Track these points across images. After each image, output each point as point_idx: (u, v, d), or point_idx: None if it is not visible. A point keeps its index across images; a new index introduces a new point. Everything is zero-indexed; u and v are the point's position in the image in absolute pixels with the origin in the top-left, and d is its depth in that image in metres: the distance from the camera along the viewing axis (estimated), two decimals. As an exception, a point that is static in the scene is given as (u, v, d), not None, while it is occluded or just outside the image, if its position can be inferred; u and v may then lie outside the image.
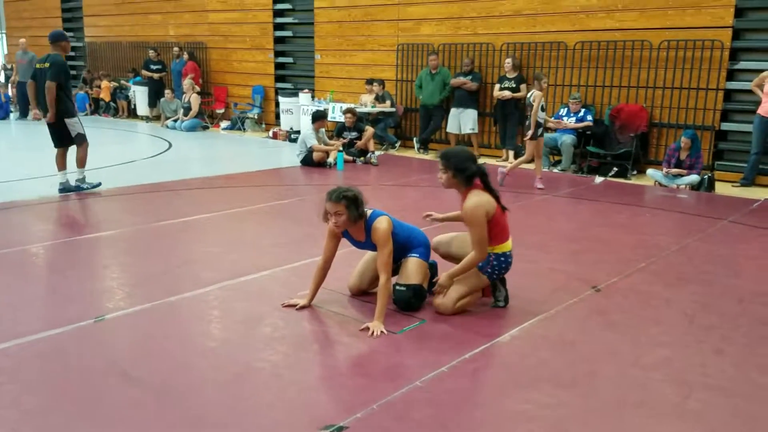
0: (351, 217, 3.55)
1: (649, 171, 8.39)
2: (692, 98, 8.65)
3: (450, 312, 3.66)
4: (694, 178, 7.87)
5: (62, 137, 6.96)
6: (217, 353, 3.19)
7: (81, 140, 7.02)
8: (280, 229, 5.79)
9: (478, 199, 3.63)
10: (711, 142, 8.60)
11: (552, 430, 2.55)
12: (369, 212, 3.68)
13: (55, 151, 7.06)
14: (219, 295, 4.00)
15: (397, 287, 3.74)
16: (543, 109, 7.67)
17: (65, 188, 6.97)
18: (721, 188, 8.04)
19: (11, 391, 2.77)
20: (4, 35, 19.90)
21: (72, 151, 7.06)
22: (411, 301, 3.72)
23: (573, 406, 2.74)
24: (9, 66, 15.01)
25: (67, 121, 6.88)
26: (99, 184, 7.24)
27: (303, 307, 3.69)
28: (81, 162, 7.06)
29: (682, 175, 7.97)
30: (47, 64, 6.84)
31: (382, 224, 3.59)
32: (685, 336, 3.51)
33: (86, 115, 15.75)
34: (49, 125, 6.93)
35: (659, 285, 4.35)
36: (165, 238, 5.44)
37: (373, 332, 3.37)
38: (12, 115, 14.70)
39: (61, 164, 7.03)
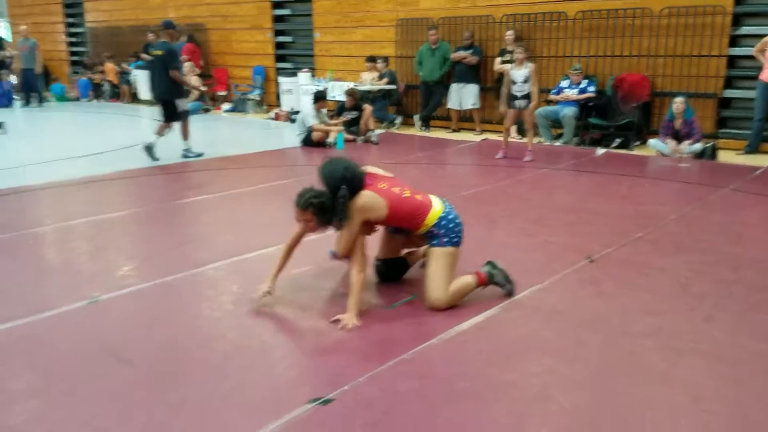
0: (320, 224, 3.38)
1: (651, 141, 8.30)
2: (694, 66, 8.53)
3: (445, 305, 3.36)
4: (696, 146, 7.79)
5: (172, 114, 7.92)
6: (207, 333, 3.21)
7: (185, 116, 8.07)
8: (275, 209, 5.78)
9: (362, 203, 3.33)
10: (714, 110, 8.49)
11: (536, 398, 2.56)
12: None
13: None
14: (212, 275, 4.02)
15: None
16: (514, 82, 7.67)
17: (149, 148, 7.84)
18: (725, 156, 7.95)
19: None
20: (8, 23, 19.89)
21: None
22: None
23: (559, 374, 2.75)
24: (9, 54, 15.01)
25: (177, 101, 7.89)
26: (202, 154, 8.18)
27: (270, 290, 3.46)
28: (185, 134, 8.15)
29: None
30: (161, 52, 7.76)
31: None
32: (676, 304, 3.50)
33: (89, 100, 15.79)
34: (162, 102, 7.93)
35: (654, 254, 4.33)
36: (160, 220, 5.47)
37: (345, 325, 3.18)
38: (17, 103, 14.73)
39: (161, 131, 7.96)
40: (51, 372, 2.81)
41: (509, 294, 3.56)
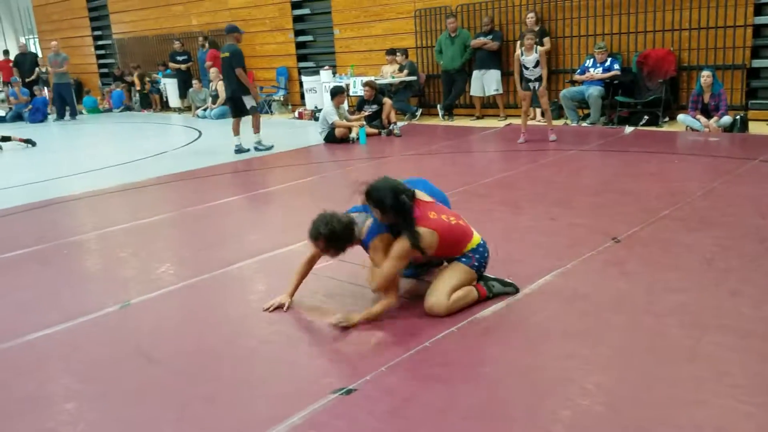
0: (335, 253, 3.33)
1: (680, 116, 8.13)
2: (720, 37, 8.32)
3: (444, 311, 3.17)
4: (726, 119, 7.61)
5: (241, 109, 8.60)
6: (233, 330, 3.29)
7: (254, 111, 8.66)
8: (300, 207, 5.86)
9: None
10: (743, 81, 8.28)
11: (558, 381, 2.56)
12: (366, 226, 3.32)
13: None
14: (238, 274, 4.11)
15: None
16: (526, 67, 7.80)
17: (239, 149, 8.65)
18: (756, 128, 7.76)
19: (38, 378, 2.93)
20: (36, 39, 20.45)
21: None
22: None
23: (581, 356, 2.74)
24: (44, 69, 15.44)
25: (244, 97, 8.52)
26: (272, 147, 8.80)
27: (286, 306, 3.42)
28: (256, 128, 8.70)
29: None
30: (227, 53, 8.47)
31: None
32: (702, 280, 3.45)
33: (121, 111, 16.11)
34: (231, 99, 8.68)
35: (681, 231, 4.27)
36: (190, 223, 5.59)
37: (339, 321, 3.12)
38: (50, 117, 15.14)
39: (236, 130, 8.71)
40: (87, 375, 2.93)
41: (515, 292, 3.41)
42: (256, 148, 8.78)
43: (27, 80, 15.97)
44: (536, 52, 7.68)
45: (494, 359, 2.83)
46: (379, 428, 2.35)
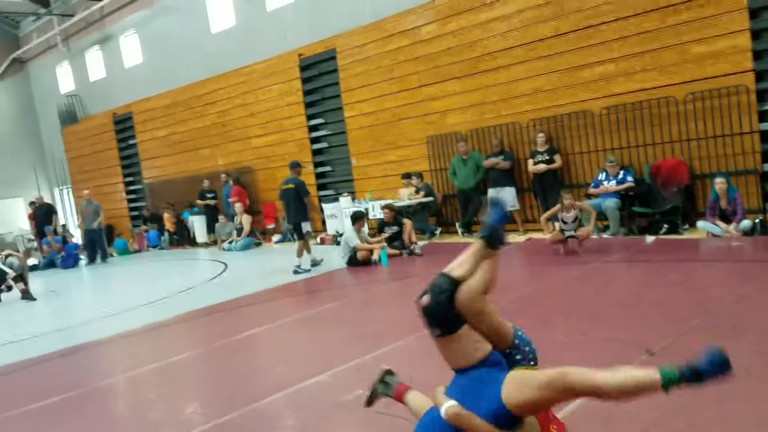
0: None
1: (700, 223, 8.17)
2: (728, 145, 8.50)
3: None
4: (746, 223, 7.63)
5: (300, 233, 9.63)
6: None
7: (308, 236, 9.68)
8: (326, 334, 5.87)
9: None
10: (757, 185, 8.36)
11: None
12: None
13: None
14: (266, 411, 4.06)
15: None
16: (564, 222, 8.07)
17: (296, 271, 9.34)
18: (777, 229, 7.74)
19: None
20: (70, 189, 21.46)
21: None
22: None
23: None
24: (62, 223, 15.91)
25: (303, 223, 9.62)
26: (310, 270, 9.41)
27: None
28: (300, 252, 9.51)
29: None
30: (292, 185, 9.68)
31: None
32: (741, 390, 3.33)
33: (161, 248, 16.45)
34: (295, 226, 9.73)
35: (715, 340, 4.16)
36: (216, 359, 5.59)
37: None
38: (82, 262, 15.59)
39: (300, 253, 9.54)
40: None
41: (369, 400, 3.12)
42: (295, 272, 9.29)
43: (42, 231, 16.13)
44: (575, 210, 8.00)
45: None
46: None
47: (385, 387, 3.13)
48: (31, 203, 18.41)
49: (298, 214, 9.66)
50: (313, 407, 3.64)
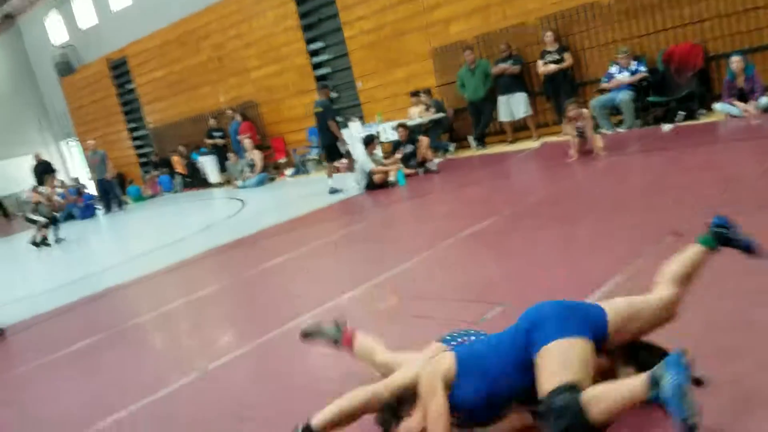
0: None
1: (717, 105, 7.98)
2: (742, 21, 8.19)
3: None
4: (764, 100, 7.44)
5: (338, 153, 9.91)
6: (311, 377, 3.30)
7: (348, 155, 9.97)
8: (353, 256, 5.91)
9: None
10: (776, 60, 8.10)
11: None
12: None
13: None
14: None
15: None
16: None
17: (333, 190, 9.58)
18: (798, 103, 7.54)
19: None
20: (77, 142, 21.41)
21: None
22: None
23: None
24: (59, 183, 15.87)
25: (338, 144, 9.83)
26: (342, 190, 9.56)
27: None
28: (330, 173, 9.89)
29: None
30: (321, 108, 9.76)
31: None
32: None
33: (175, 192, 16.54)
34: (327, 147, 9.92)
35: (743, 217, 4.05)
36: (246, 289, 5.66)
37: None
38: (99, 212, 15.72)
39: (330, 174, 9.88)
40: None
41: None
42: (331, 191, 9.59)
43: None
44: (583, 118, 7.70)
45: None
46: None
47: (337, 331, 3.03)
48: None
49: (326, 136, 9.86)
50: (349, 318, 3.67)
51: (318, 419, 2.42)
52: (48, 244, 11.21)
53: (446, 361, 2.38)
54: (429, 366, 2.38)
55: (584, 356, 2.15)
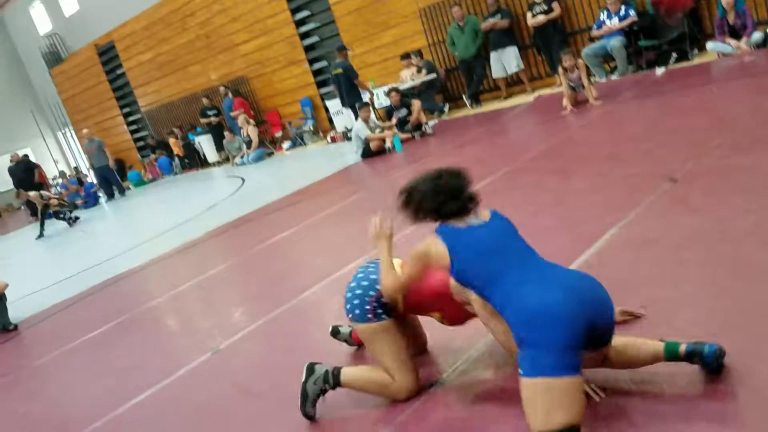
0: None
1: (709, 44, 7.93)
2: (732, -45, 8.05)
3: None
4: (756, 36, 7.38)
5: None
6: (320, 350, 3.38)
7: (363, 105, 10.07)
8: (353, 225, 5.95)
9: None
10: (766, -7, 8.00)
11: (649, 326, 2.55)
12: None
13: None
14: (311, 299, 4.23)
15: None
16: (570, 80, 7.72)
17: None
18: (790, 37, 7.48)
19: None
20: (72, 131, 21.38)
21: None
22: None
23: (665, 299, 2.72)
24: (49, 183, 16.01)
25: (358, 104, 9.95)
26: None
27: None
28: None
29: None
30: (340, 70, 10.23)
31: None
32: (770, 197, 3.38)
33: (174, 174, 16.60)
34: (352, 107, 10.23)
35: (737, 156, 4.17)
36: (254, 264, 5.76)
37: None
38: (101, 199, 15.80)
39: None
40: (196, 420, 3.07)
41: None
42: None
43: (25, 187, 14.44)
44: (578, 68, 7.64)
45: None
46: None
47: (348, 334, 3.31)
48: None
49: (351, 95, 10.17)
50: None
51: (347, 378, 2.71)
52: (78, 218, 12.66)
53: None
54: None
55: None
